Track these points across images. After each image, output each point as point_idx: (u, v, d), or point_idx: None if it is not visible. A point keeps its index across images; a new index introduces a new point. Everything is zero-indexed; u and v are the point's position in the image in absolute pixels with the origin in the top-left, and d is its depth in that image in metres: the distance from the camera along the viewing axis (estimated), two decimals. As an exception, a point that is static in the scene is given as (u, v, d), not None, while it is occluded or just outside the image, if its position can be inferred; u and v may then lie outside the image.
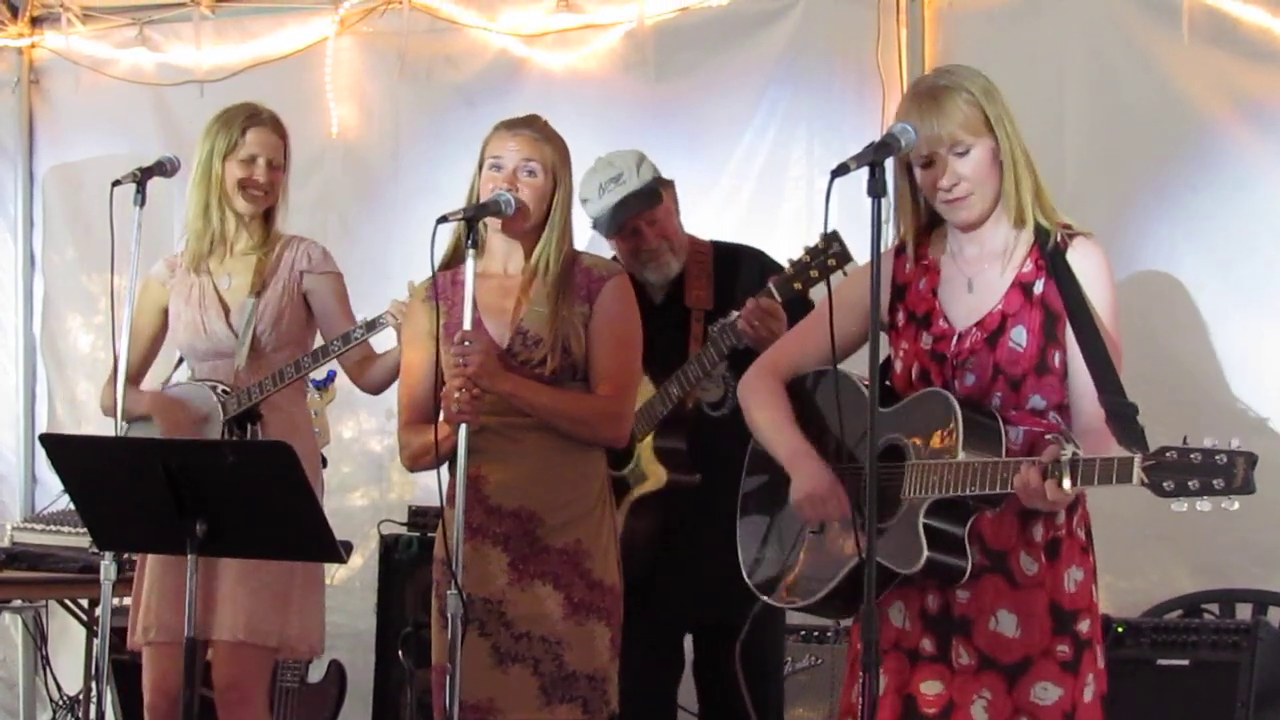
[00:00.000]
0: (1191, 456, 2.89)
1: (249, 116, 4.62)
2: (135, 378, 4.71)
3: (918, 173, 3.30)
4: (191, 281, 4.65)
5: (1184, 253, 5.23)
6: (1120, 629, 4.68)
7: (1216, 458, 2.87)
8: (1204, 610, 4.92)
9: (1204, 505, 2.89)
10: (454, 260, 4.02)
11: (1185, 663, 4.57)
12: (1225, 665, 4.50)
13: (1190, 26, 5.15)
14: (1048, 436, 3.14)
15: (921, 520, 3.17)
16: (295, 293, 4.64)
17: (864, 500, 3.27)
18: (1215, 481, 2.87)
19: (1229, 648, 4.53)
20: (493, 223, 3.94)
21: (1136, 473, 2.93)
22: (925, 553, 3.17)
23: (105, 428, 4.76)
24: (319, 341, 4.69)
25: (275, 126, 4.65)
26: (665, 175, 4.75)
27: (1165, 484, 2.89)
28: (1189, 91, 5.25)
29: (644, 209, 4.58)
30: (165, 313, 4.68)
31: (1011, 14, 5.48)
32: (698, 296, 4.55)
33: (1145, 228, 5.24)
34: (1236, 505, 2.87)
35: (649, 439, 4.50)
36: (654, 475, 4.50)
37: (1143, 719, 4.55)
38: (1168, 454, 2.90)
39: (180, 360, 4.79)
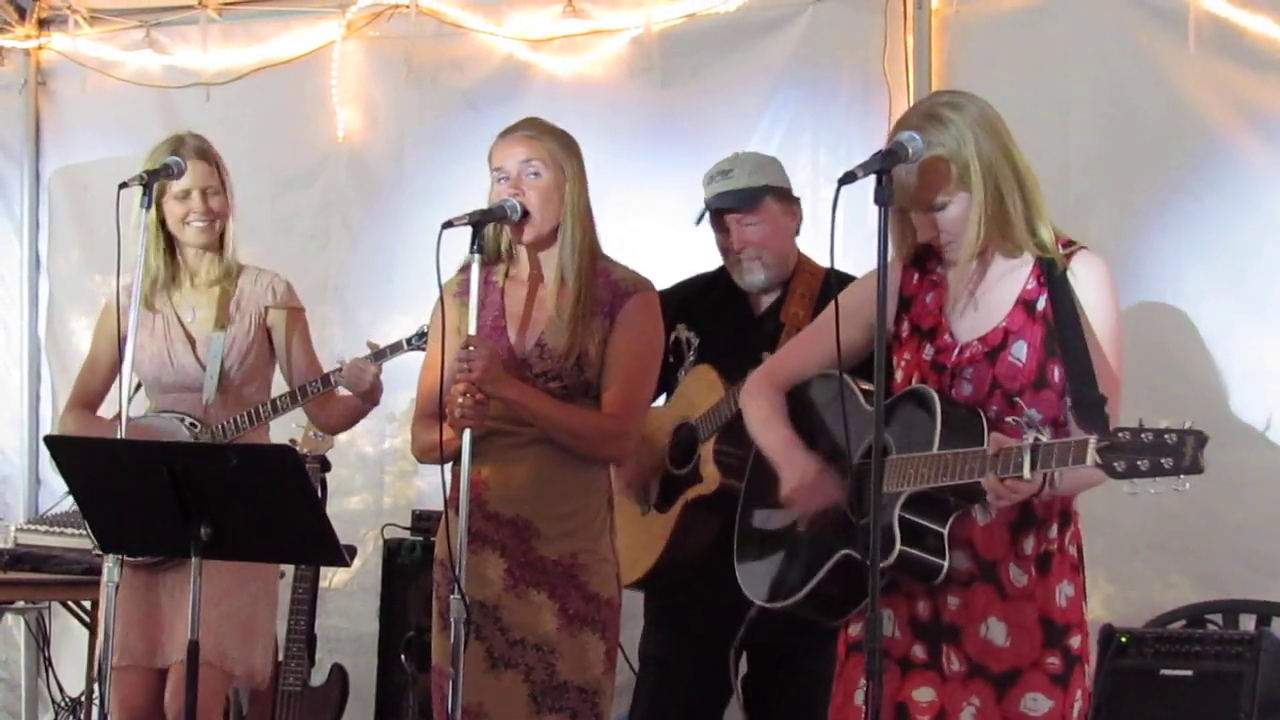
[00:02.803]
0: (1143, 436, 2.86)
1: (172, 151, 4.56)
2: (93, 404, 4.71)
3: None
4: (153, 314, 4.64)
5: (1189, 262, 5.22)
6: (1124, 639, 4.66)
7: (1166, 437, 2.84)
8: (1207, 621, 4.91)
9: (1156, 488, 2.86)
10: (488, 259, 3.98)
11: (1189, 673, 4.55)
12: (1229, 676, 4.49)
13: (1196, 36, 5.14)
14: (1009, 420, 3.13)
15: (897, 514, 3.17)
16: (260, 328, 4.66)
17: (856, 499, 3.29)
18: (1164, 461, 2.84)
19: (1233, 658, 4.51)
20: (509, 232, 3.93)
21: (1090, 454, 2.91)
22: (897, 546, 3.16)
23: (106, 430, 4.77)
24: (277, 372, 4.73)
25: (202, 155, 4.60)
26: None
27: (1116, 464, 2.87)
28: (1195, 101, 5.24)
29: (734, 208, 4.55)
30: (124, 340, 4.65)
31: (1018, 22, 5.48)
32: (794, 314, 4.52)
33: (1150, 237, 5.24)
34: (1187, 485, 2.84)
35: (711, 441, 4.48)
36: (708, 478, 4.48)
37: (1146, 729, 4.55)
38: (1120, 435, 2.88)
39: (138, 387, 4.76)
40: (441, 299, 3.95)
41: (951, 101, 3.30)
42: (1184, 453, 2.83)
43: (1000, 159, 3.24)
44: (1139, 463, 2.86)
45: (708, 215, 4.64)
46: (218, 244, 4.65)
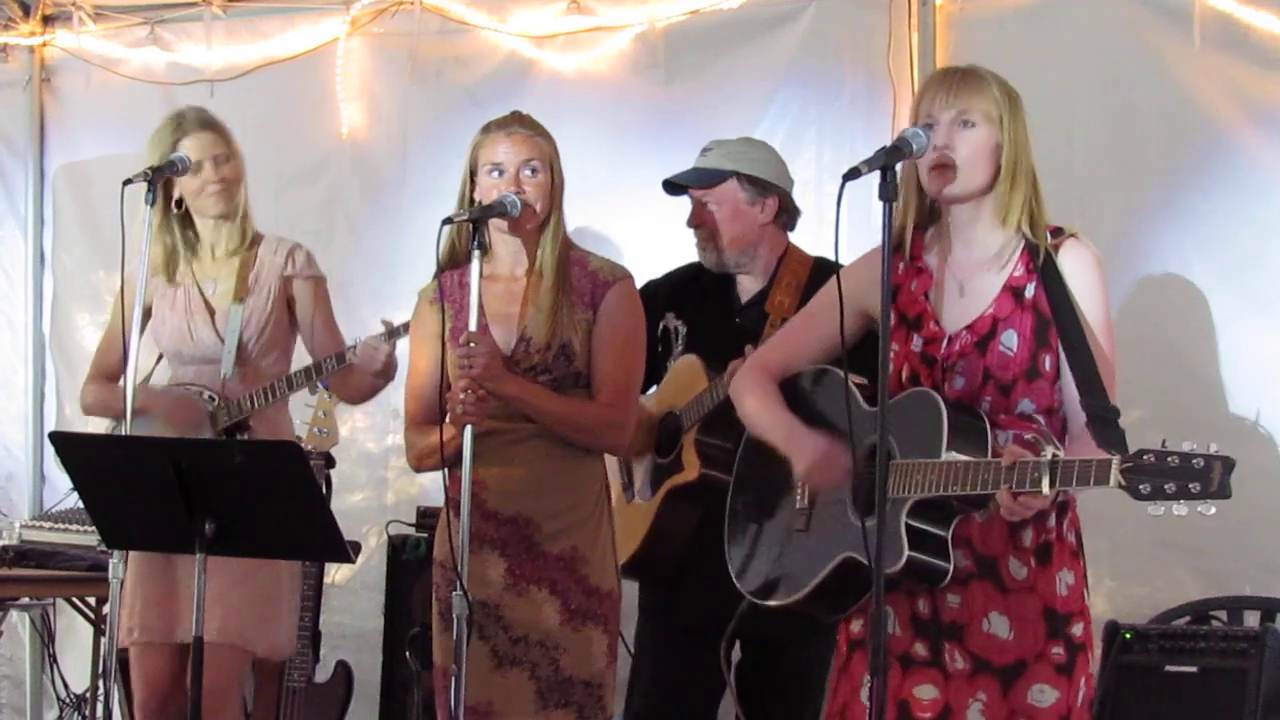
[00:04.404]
0: (1168, 460, 2.87)
1: (175, 129, 4.59)
2: (114, 376, 4.72)
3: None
4: (175, 287, 4.64)
5: (1194, 260, 5.22)
6: (1128, 635, 4.67)
7: (1193, 461, 2.85)
8: (1212, 617, 4.91)
9: (1180, 510, 2.87)
10: (453, 262, 4.01)
11: (1193, 669, 4.56)
12: (1233, 672, 4.49)
13: (1201, 32, 5.14)
14: (1026, 437, 3.14)
15: (903, 519, 3.17)
16: (281, 298, 4.65)
17: (858, 501, 3.29)
18: (1191, 485, 2.85)
19: (1237, 654, 4.52)
20: (498, 224, 3.93)
21: (1114, 475, 2.92)
22: (906, 552, 3.16)
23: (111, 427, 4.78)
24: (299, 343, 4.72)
25: (205, 125, 4.60)
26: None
27: (1142, 487, 2.88)
28: (1199, 97, 5.24)
29: (691, 184, 4.62)
30: (148, 311, 4.66)
31: (1023, 19, 5.48)
32: (780, 303, 4.54)
33: (1154, 234, 5.24)
34: (1213, 510, 2.85)
35: (694, 430, 4.49)
36: (689, 466, 4.50)
37: (1150, 726, 4.55)
38: (1145, 457, 2.89)
39: (159, 358, 4.78)
40: (443, 300, 3.96)
41: (995, 75, 3.38)
42: (1211, 478, 2.84)
43: (1021, 130, 3.30)
44: (1165, 486, 2.86)
45: (689, 196, 4.67)
46: (234, 212, 4.65)
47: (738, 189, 4.61)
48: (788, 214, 4.67)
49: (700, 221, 4.62)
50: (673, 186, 4.69)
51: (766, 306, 4.56)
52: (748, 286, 4.65)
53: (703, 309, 4.67)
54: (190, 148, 4.55)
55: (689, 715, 4.65)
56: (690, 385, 4.54)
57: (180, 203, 4.61)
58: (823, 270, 4.56)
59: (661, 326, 4.65)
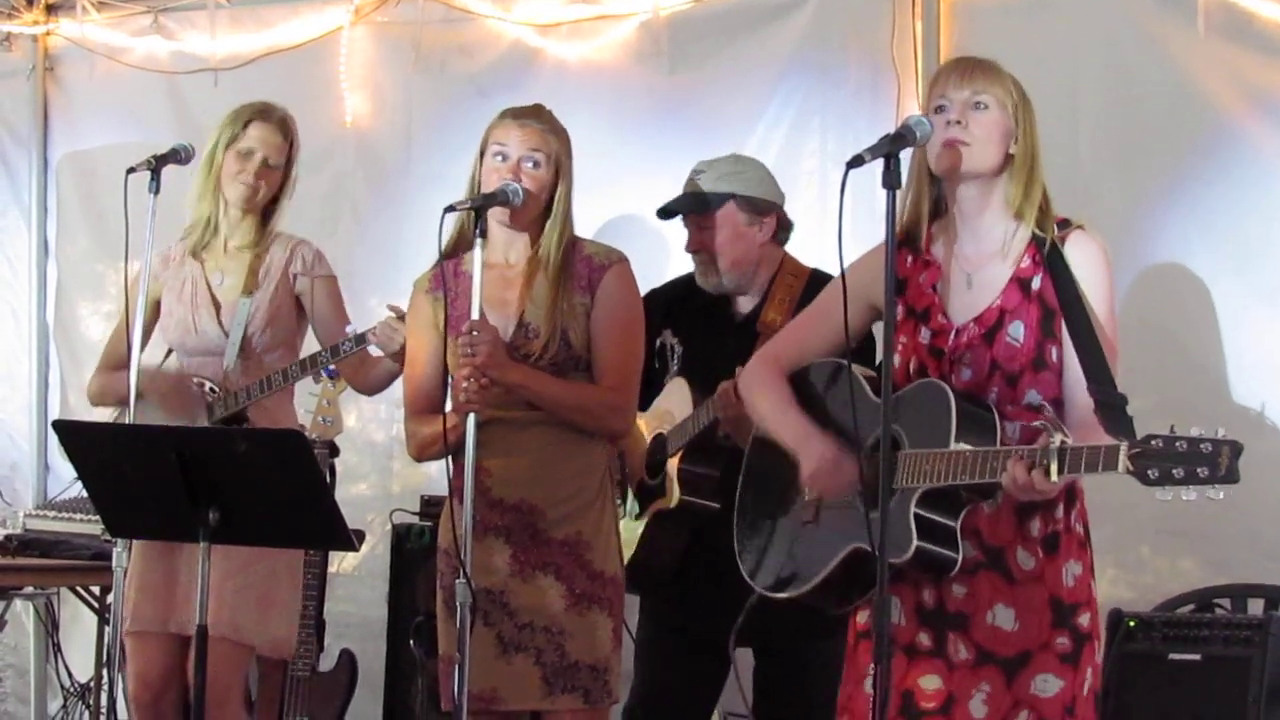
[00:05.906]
0: (1177, 445, 2.86)
1: (257, 112, 4.64)
2: (121, 368, 4.73)
3: (930, 119, 3.28)
4: (184, 276, 4.66)
5: (1198, 249, 5.21)
6: (1132, 623, 4.67)
7: (1202, 446, 2.85)
8: (1216, 605, 4.91)
9: (1189, 494, 2.87)
10: (455, 250, 4.03)
11: (1197, 657, 4.55)
12: (1237, 660, 4.49)
13: (1206, 21, 5.13)
14: (1035, 424, 3.14)
15: (912, 509, 3.17)
16: (287, 295, 4.66)
17: (868, 492, 3.29)
18: (1200, 470, 2.85)
19: (1241, 642, 4.51)
20: (497, 212, 3.94)
21: (1122, 460, 2.91)
22: (914, 542, 3.16)
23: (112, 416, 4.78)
24: (308, 340, 4.71)
25: (282, 126, 4.65)
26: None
27: (1150, 472, 2.88)
28: (1204, 86, 5.23)
29: (687, 210, 4.59)
30: (157, 305, 4.68)
31: (1027, 7, 5.47)
32: (772, 321, 4.51)
33: (1159, 223, 5.23)
34: (1221, 495, 2.85)
35: (677, 458, 4.50)
36: (670, 493, 4.51)
37: (1154, 714, 4.55)
38: (1153, 442, 2.88)
39: (169, 352, 4.79)
40: (445, 288, 3.96)
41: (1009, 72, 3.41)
42: (1220, 463, 2.84)
43: (1034, 127, 3.32)
44: (1174, 471, 2.86)
45: (685, 221, 4.66)
46: (258, 211, 4.66)
47: (736, 211, 4.58)
48: (784, 230, 4.66)
49: (700, 246, 4.58)
50: (665, 211, 4.65)
51: (759, 325, 4.55)
52: (743, 304, 4.63)
53: (699, 326, 4.66)
54: (255, 134, 4.61)
55: (684, 718, 4.67)
56: (677, 410, 4.54)
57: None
58: (818, 283, 4.55)
59: (659, 343, 4.64)
